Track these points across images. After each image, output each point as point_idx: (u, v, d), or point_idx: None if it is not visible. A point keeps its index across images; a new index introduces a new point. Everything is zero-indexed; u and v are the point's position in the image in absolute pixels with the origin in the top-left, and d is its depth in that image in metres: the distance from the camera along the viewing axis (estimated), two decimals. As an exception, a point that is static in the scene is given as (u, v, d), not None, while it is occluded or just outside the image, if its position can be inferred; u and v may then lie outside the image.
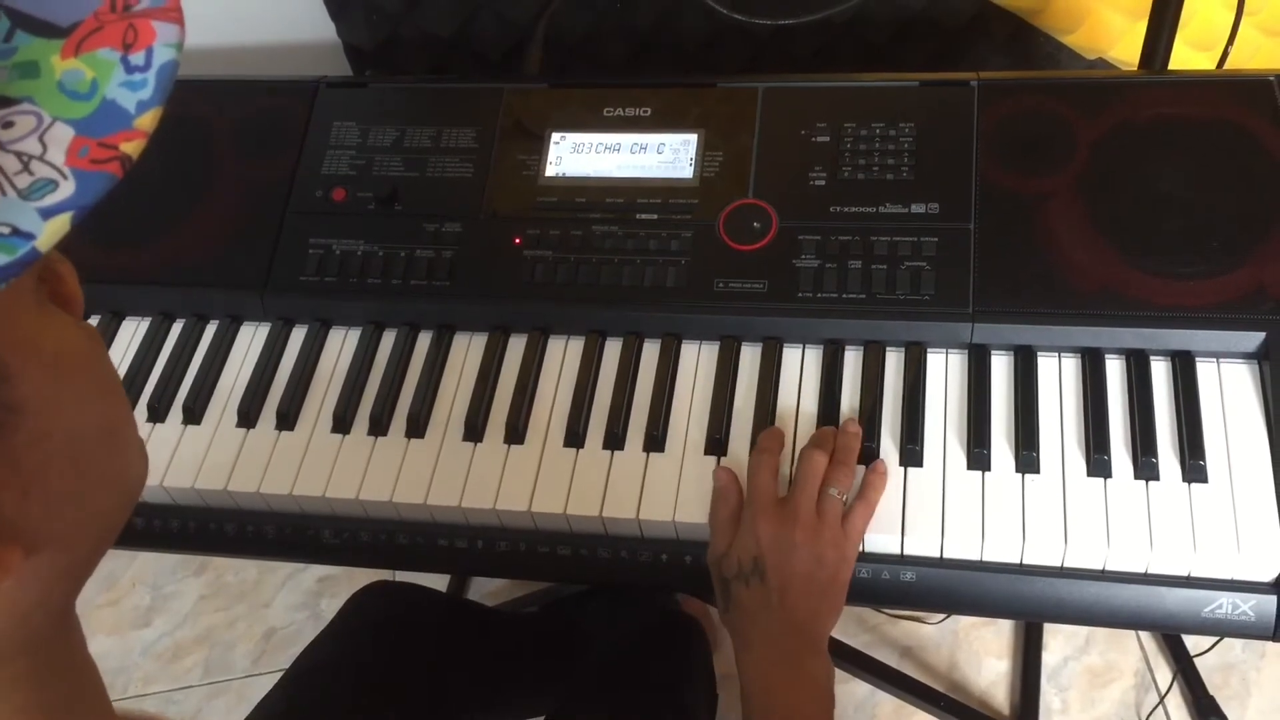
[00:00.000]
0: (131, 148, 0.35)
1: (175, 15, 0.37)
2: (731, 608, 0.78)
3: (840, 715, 1.49)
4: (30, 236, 0.33)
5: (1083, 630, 1.52)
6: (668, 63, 1.26)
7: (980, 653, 1.52)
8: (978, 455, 0.80)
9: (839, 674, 1.48)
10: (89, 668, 0.46)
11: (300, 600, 1.70)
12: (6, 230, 0.33)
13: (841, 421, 0.84)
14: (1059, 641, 1.51)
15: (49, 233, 0.33)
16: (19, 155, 0.33)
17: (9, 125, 0.34)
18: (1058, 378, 0.83)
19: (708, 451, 0.84)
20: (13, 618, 0.39)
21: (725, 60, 1.26)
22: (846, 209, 0.89)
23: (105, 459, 0.41)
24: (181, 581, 1.74)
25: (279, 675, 1.00)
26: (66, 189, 0.34)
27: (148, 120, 0.36)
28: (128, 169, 0.35)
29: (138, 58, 0.36)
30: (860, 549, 0.79)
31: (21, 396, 0.36)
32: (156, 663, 1.66)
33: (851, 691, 1.50)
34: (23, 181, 0.33)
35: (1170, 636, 1.49)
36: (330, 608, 1.67)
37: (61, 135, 0.34)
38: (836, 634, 1.46)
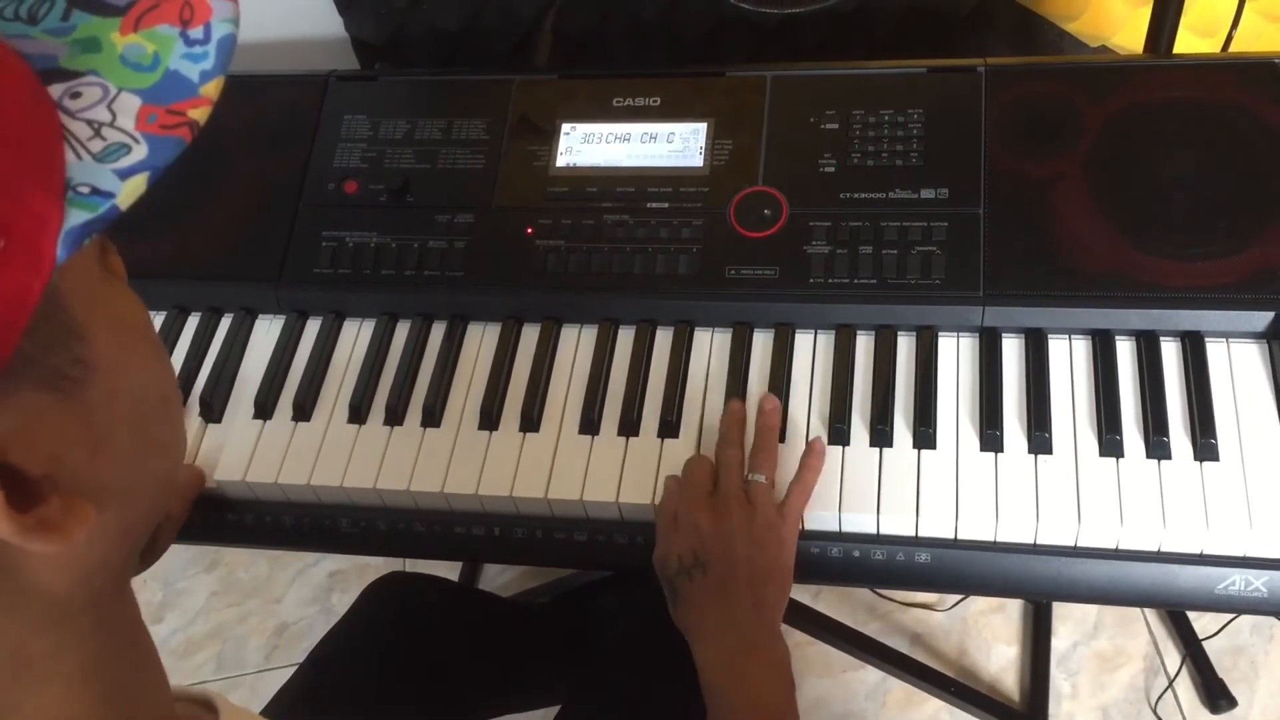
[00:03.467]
0: (199, 114, 0.37)
1: None
2: (680, 605, 0.78)
3: (850, 702, 1.50)
4: (110, 195, 0.34)
5: (1091, 615, 1.53)
6: (674, 54, 1.27)
7: (990, 639, 1.53)
8: (990, 437, 0.81)
9: (849, 661, 1.49)
10: (144, 633, 0.47)
11: (311, 595, 1.71)
12: (86, 190, 0.34)
13: (762, 400, 0.85)
14: (1068, 627, 1.52)
15: (127, 191, 0.35)
16: (89, 122, 0.35)
17: (76, 95, 0.35)
18: (1069, 359, 0.84)
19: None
20: (78, 574, 0.40)
21: (731, 51, 1.27)
22: (856, 195, 0.90)
23: (163, 423, 0.43)
24: (193, 578, 1.74)
25: (291, 670, 1.01)
26: (139, 152, 0.35)
27: (212, 88, 0.38)
28: (196, 134, 0.37)
29: (196, 32, 0.37)
30: (875, 532, 0.80)
31: (95, 355, 0.37)
32: (169, 658, 1.67)
33: (862, 678, 1.51)
34: (96, 146, 0.35)
35: (1179, 620, 1.49)
36: (341, 602, 1.68)
37: (129, 104, 0.36)
38: (847, 621, 1.47)
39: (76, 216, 0.34)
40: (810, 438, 0.83)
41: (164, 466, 0.44)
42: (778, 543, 0.77)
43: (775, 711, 0.75)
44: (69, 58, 0.35)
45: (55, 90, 0.35)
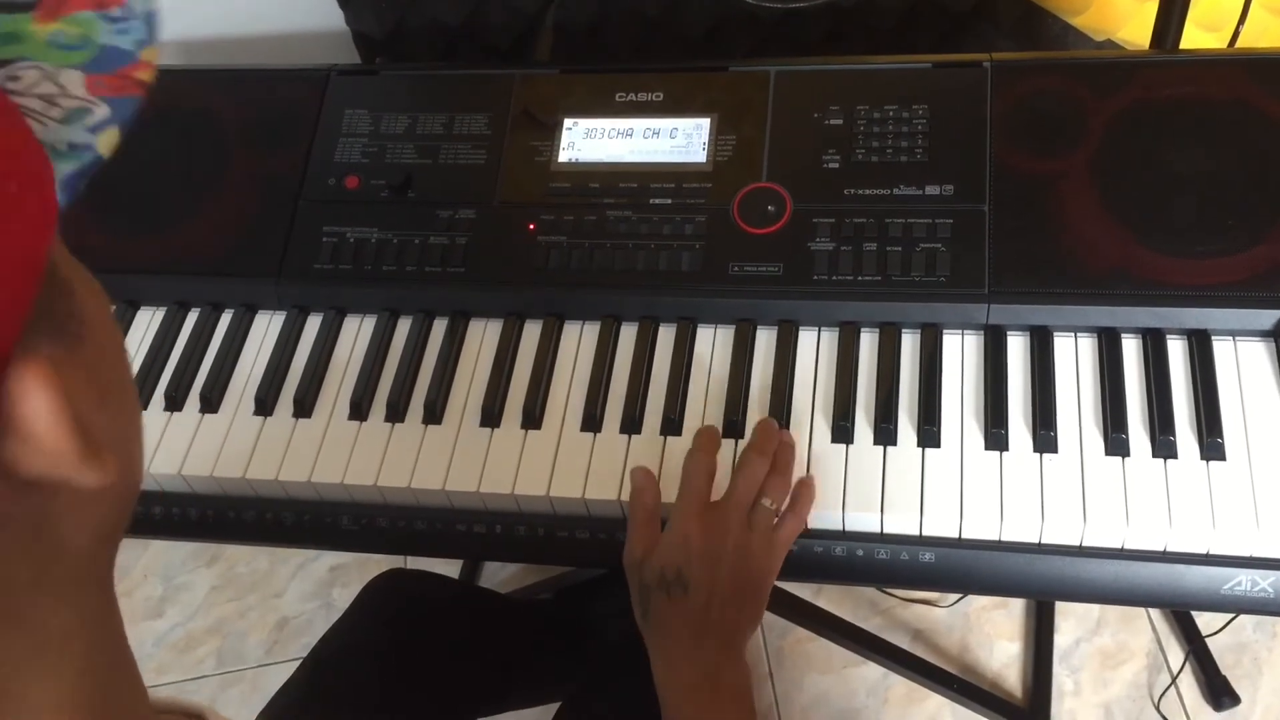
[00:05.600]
0: (145, 75, 0.38)
1: None
2: (650, 617, 0.76)
3: (852, 698, 1.50)
4: (89, 147, 0.36)
5: (1094, 612, 1.52)
6: (676, 48, 1.26)
7: (992, 635, 1.53)
8: (995, 435, 0.80)
9: (850, 657, 1.49)
10: (126, 639, 0.46)
11: (312, 590, 1.71)
12: (64, 146, 0.35)
13: (759, 419, 0.83)
14: (1071, 623, 1.52)
15: (103, 143, 0.36)
16: (40, 97, 0.36)
17: (15, 79, 0.36)
18: (1074, 357, 0.83)
19: (725, 435, 0.84)
20: (105, 530, 0.40)
21: (734, 46, 1.26)
22: (861, 191, 0.89)
23: (134, 390, 0.43)
24: (193, 572, 1.74)
25: (292, 665, 1.01)
26: (101, 111, 0.37)
27: (150, 53, 0.38)
28: (148, 88, 0.38)
29: (115, 12, 0.38)
30: (879, 531, 0.79)
31: (83, 310, 0.38)
32: (170, 653, 1.67)
33: (864, 675, 1.51)
34: (55, 114, 0.36)
35: (1182, 617, 1.49)
36: (342, 597, 1.68)
37: (72, 76, 0.37)
38: (849, 617, 1.47)
39: (65, 167, 0.35)
40: (814, 436, 0.83)
41: (140, 437, 0.44)
42: (764, 572, 0.76)
43: None
44: None
45: None
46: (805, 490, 0.79)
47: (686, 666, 0.75)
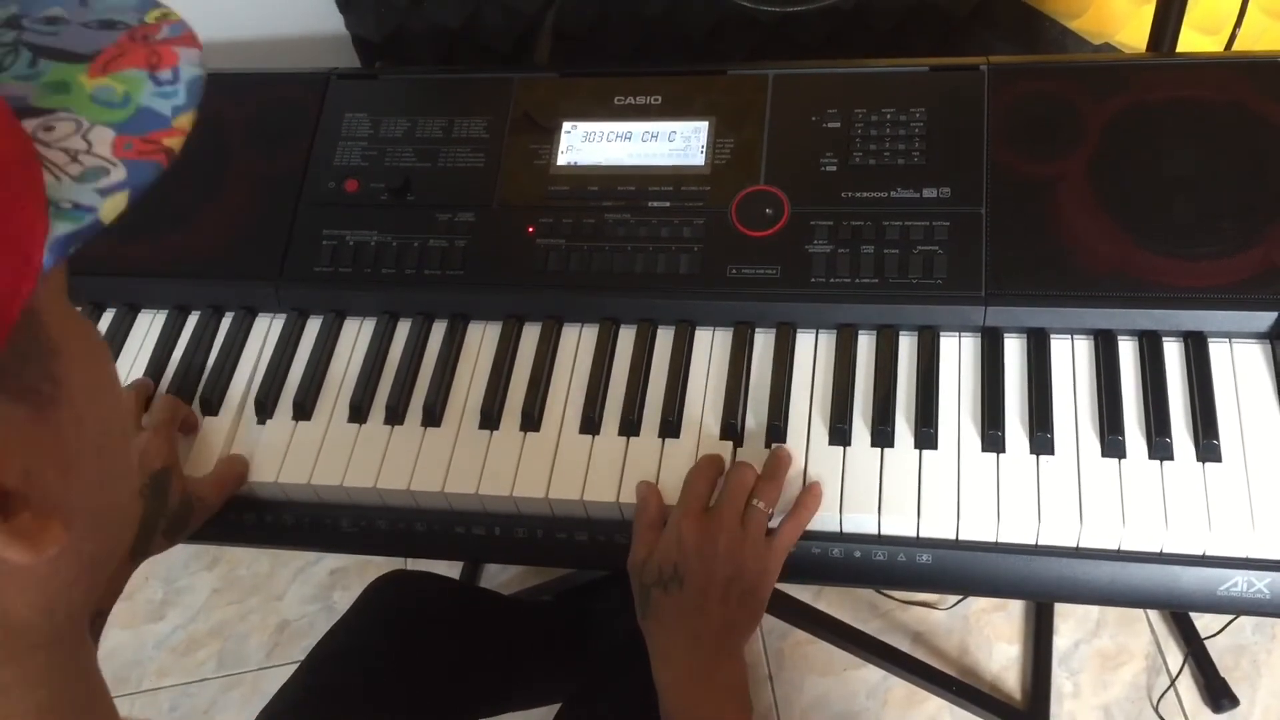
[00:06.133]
0: (173, 142, 0.38)
1: (193, 41, 0.40)
2: (649, 614, 0.78)
3: (851, 700, 1.50)
4: (92, 209, 0.35)
5: (1093, 614, 1.52)
6: (675, 52, 1.27)
7: (991, 637, 1.53)
8: (992, 437, 0.81)
9: (850, 659, 1.49)
10: (101, 691, 0.47)
11: (313, 593, 1.71)
12: (68, 205, 0.35)
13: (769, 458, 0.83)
14: (1070, 625, 1.52)
15: (108, 207, 0.36)
16: (65, 150, 0.36)
17: (50, 129, 0.36)
18: (1071, 360, 0.84)
19: (723, 437, 0.85)
20: (42, 601, 0.39)
21: (732, 49, 1.27)
22: (858, 194, 0.89)
23: (121, 456, 0.43)
24: (194, 575, 1.74)
25: (293, 667, 1.01)
26: (118, 174, 0.36)
27: (185, 120, 0.39)
28: (173, 159, 0.38)
29: (165, 74, 0.39)
30: (876, 532, 0.80)
31: (66, 374, 0.37)
32: (170, 656, 1.67)
33: (863, 677, 1.51)
34: (74, 170, 0.36)
35: (1181, 619, 1.49)
36: (343, 600, 1.68)
37: (103, 134, 0.37)
38: (848, 619, 1.47)
39: (61, 228, 0.35)
40: (811, 438, 0.83)
41: (122, 500, 0.44)
42: (759, 573, 0.77)
43: None
44: (39, 98, 0.37)
45: (28, 124, 0.36)
46: (810, 496, 0.80)
47: (682, 660, 0.76)
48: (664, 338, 0.90)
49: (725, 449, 0.84)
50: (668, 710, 0.76)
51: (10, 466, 0.35)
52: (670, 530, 0.78)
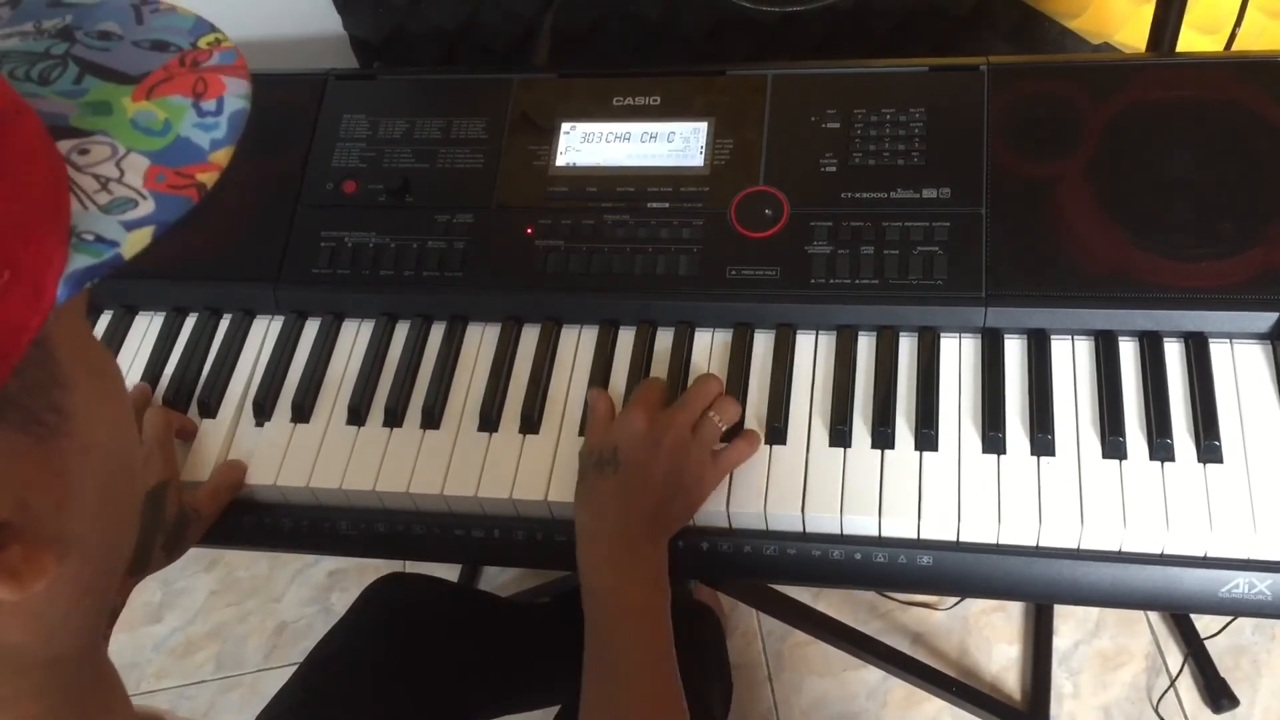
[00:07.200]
0: (207, 178, 0.37)
1: (243, 71, 0.39)
2: (583, 494, 0.80)
3: (851, 701, 1.50)
4: (114, 244, 0.35)
5: (1093, 614, 1.52)
6: (674, 52, 1.26)
7: (991, 638, 1.53)
8: (993, 439, 0.80)
9: (850, 660, 1.49)
10: (120, 698, 0.46)
11: (311, 594, 1.70)
12: (90, 237, 0.35)
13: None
14: (1069, 626, 1.52)
15: (131, 242, 0.35)
16: (97, 177, 0.35)
17: (85, 152, 0.36)
18: (1071, 361, 0.84)
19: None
20: (38, 628, 0.39)
21: (731, 49, 1.26)
22: (858, 195, 0.89)
23: (126, 486, 0.42)
24: (192, 577, 1.74)
25: (291, 669, 1.01)
26: (146, 207, 0.36)
27: (222, 156, 0.38)
28: (204, 195, 0.37)
29: (209, 104, 0.38)
30: (877, 534, 0.79)
31: (73, 404, 0.37)
32: (169, 658, 1.67)
33: (863, 678, 1.51)
34: (102, 199, 0.35)
35: (1181, 619, 1.49)
36: (341, 601, 1.68)
37: (137, 163, 0.36)
38: (848, 620, 1.47)
39: (79, 261, 0.34)
40: (811, 439, 0.83)
41: (123, 529, 0.43)
42: (697, 478, 0.79)
43: (648, 619, 0.76)
44: (79, 117, 0.36)
45: (64, 145, 0.35)
46: (753, 434, 0.83)
47: (607, 541, 0.78)
48: (663, 339, 0.90)
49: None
50: (586, 588, 0.77)
51: (3, 498, 0.35)
52: (621, 417, 0.81)
